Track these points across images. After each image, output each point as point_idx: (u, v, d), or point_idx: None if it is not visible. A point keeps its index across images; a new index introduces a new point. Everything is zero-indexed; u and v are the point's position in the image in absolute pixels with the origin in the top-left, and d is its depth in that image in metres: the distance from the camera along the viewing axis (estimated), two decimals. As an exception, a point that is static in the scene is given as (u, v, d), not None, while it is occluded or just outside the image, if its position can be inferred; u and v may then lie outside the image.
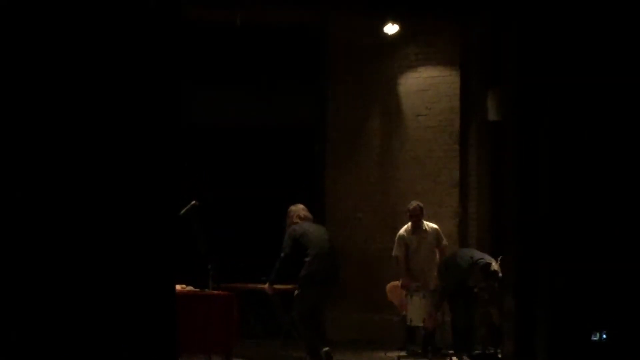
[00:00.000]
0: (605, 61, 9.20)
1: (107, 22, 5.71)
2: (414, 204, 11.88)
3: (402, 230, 11.94)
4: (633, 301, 9.23)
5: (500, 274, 10.68)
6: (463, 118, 12.97)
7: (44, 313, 5.58)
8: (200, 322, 9.31)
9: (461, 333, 11.23)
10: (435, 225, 11.96)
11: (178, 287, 8.98)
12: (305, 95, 13.69)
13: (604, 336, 9.15)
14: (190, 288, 9.69)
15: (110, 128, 5.73)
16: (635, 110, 9.26)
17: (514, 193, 9.90)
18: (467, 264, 11.03)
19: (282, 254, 10.37)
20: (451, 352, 11.43)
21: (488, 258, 11.01)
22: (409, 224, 11.89)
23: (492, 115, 12.51)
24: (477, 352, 11.11)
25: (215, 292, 9.71)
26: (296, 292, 10.42)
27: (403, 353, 11.59)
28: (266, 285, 10.69)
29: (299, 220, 10.58)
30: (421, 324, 11.33)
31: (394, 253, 11.91)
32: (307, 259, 10.25)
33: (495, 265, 10.82)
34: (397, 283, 11.80)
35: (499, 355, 10.75)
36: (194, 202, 9.77)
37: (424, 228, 11.87)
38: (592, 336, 9.17)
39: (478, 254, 11.20)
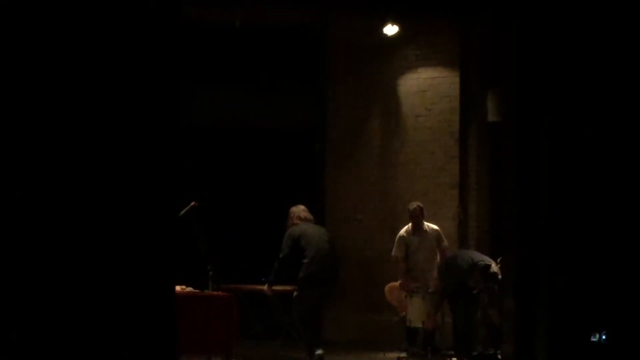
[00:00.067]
0: (605, 61, 9.20)
1: (107, 22, 5.70)
2: (414, 204, 11.87)
3: (402, 231, 11.93)
4: (633, 301, 9.23)
5: (499, 276, 10.68)
6: (463, 119, 12.96)
7: (44, 313, 5.57)
8: (200, 323, 9.32)
9: (462, 334, 11.23)
10: (435, 226, 11.95)
11: (178, 288, 8.98)
12: (305, 95, 13.68)
13: (604, 337, 9.14)
14: (190, 289, 9.69)
15: (110, 128, 5.73)
16: (635, 110, 9.25)
17: (513, 193, 9.90)
18: (467, 265, 11.03)
19: (281, 255, 10.37)
20: (451, 352, 11.43)
21: (488, 260, 11.02)
22: (410, 224, 11.89)
23: (491, 115, 12.50)
24: (476, 353, 11.10)
25: (215, 292, 9.71)
26: (295, 293, 10.42)
27: (403, 354, 11.58)
28: (265, 287, 10.69)
29: (298, 221, 10.58)
30: (420, 325, 11.32)
31: (393, 253, 11.91)
32: (305, 261, 10.24)
33: (494, 267, 10.83)
34: (396, 284, 11.79)
35: (499, 356, 10.75)
36: (193, 203, 9.77)
37: (424, 229, 11.86)
38: (592, 337, 9.16)
39: (478, 256, 11.20)
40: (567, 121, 9.42)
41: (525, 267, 9.62)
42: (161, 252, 5.92)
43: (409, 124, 13.22)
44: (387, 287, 11.94)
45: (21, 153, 5.51)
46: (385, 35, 12.80)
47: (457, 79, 12.96)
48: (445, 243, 11.94)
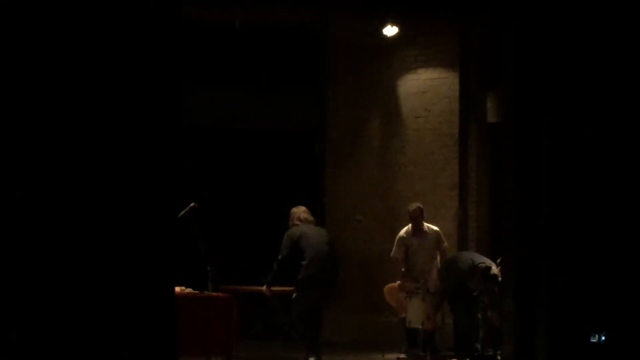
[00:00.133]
0: (605, 61, 9.19)
1: (107, 23, 5.70)
2: (414, 205, 11.86)
3: (402, 232, 11.92)
4: (633, 302, 9.22)
5: (499, 278, 10.67)
6: (462, 119, 12.97)
7: (44, 314, 5.56)
8: (199, 324, 9.31)
9: (462, 335, 11.22)
10: (435, 227, 11.94)
11: (177, 288, 8.97)
12: (305, 95, 13.69)
13: (603, 338, 9.14)
14: (189, 290, 9.68)
15: (110, 128, 5.72)
16: (635, 110, 9.25)
17: (513, 193, 9.89)
18: (468, 267, 11.02)
19: (280, 256, 10.36)
20: (451, 353, 11.42)
21: (489, 262, 11.01)
22: (409, 225, 11.88)
23: (491, 116, 12.51)
24: (476, 354, 11.09)
25: (215, 293, 9.70)
26: (294, 294, 10.41)
27: (402, 355, 11.57)
28: (264, 288, 10.68)
29: (298, 223, 10.57)
30: (420, 326, 11.31)
31: (392, 254, 11.90)
32: (304, 262, 10.23)
33: (495, 269, 10.82)
34: (395, 285, 11.79)
35: (498, 357, 10.75)
36: (193, 204, 9.76)
37: (424, 230, 11.84)
38: (591, 338, 9.16)
39: (478, 258, 11.19)
40: (567, 121, 9.42)
41: (525, 268, 9.61)
42: (161, 253, 5.92)
43: (408, 124, 13.22)
44: (386, 288, 11.93)
45: (21, 153, 5.51)
46: (385, 36, 12.82)
47: (456, 80, 12.97)
48: (445, 244, 11.93)
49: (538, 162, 9.56)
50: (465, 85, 12.97)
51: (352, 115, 13.46)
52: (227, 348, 9.55)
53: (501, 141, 10.82)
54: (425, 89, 13.13)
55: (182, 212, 9.54)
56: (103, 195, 5.70)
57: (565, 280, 9.29)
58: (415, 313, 11.27)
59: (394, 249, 11.88)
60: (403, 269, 11.79)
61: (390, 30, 12.74)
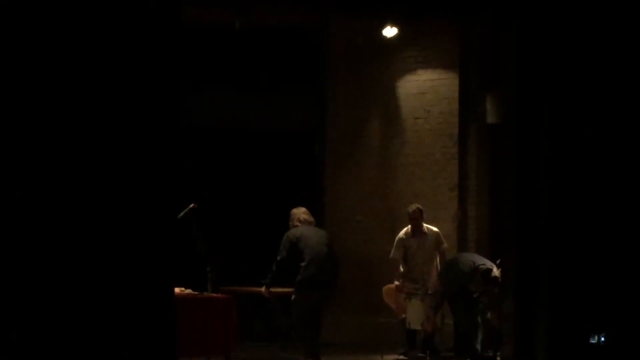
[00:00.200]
0: (605, 61, 9.19)
1: (107, 23, 5.69)
2: (413, 206, 11.85)
3: (401, 233, 11.92)
4: (632, 303, 9.22)
5: (500, 280, 10.66)
6: (462, 121, 12.97)
7: (44, 315, 5.56)
8: (199, 325, 9.31)
9: (463, 336, 11.21)
10: (435, 228, 11.93)
11: (177, 289, 8.96)
12: (305, 96, 13.69)
13: (602, 339, 9.13)
14: (189, 291, 9.67)
15: (110, 129, 5.72)
16: (635, 110, 9.24)
17: (513, 194, 9.88)
18: (469, 268, 11.01)
19: (278, 258, 10.34)
20: (451, 354, 11.41)
21: (489, 264, 10.99)
22: (409, 226, 11.87)
23: (490, 117, 12.50)
24: (476, 355, 11.08)
25: (214, 294, 9.69)
26: (293, 296, 10.39)
27: (401, 357, 11.56)
28: (263, 289, 10.66)
29: (298, 224, 10.55)
30: (420, 327, 11.30)
31: (391, 255, 11.89)
32: (303, 264, 10.21)
33: (496, 272, 10.80)
34: (393, 285, 11.78)
35: (498, 359, 10.74)
36: (192, 205, 9.75)
37: (423, 231, 11.83)
38: (591, 339, 9.15)
39: (479, 259, 11.17)
40: (567, 121, 9.41)
41: (525, 268, 9.60)
42: (160, 254, 5.92)
43: (408, 125, 13.22)
44: (384, 289, 11.92)
45: (21, 153, 5.51)
46: (385, 36, 12.82)
47: (456, 81, 12.97)
48: (445, 245, 11.92)
49: (538, 163, 9.56)
50: (464, 87, 12.96)
51: (352, 115, 13.46)
52: (227, 349, 9.54)
53: (501, 142, 10.82)
54: (425, 89, 13.13)
55: (182, 213, 9.53)
56: (103, 195, 5.69)
57: (565, 281, 9.28)
58: (414, 314, 11.26)
59: (393, 249, 11.87)
60: (402, 270, 11.79)
61: (390, 31, 12.74)
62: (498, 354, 10.75)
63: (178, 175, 6.01)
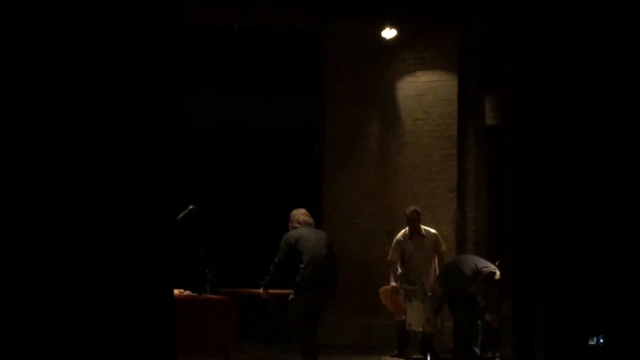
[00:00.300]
0: (605, 61, 9.19)
1: (107, 24, 5.69)
2: (410, 208, 11.86)
3: (399, 235, 11.93)
4: (631, 305, 9.22)
5: (500, 281, 10.65)
6: (461, 122, 12.99)
7: (43, 316, 5.55)
8: (198, 326, 9.29)
9: (462, 337, 11.20)
10: (433, 230, 11.94)
11: (176, 291, 8.96)
12: (305, 97, 13.71)
13: (601, 340, 9.13)
14: (188, 292, 9.67)
15: (110, 129, 5.71)
16: (635, 110, 9.24)
17: (513, 194, 9.88)
18: (471, 271, 11.00)
19: (276, 259, 10.33)
20: (450, 356, 11.40)
21: (492, 267, 10.98)
22: (407, 228, 11.88)
23: (489, 119, 12.52)
24: (474, 357, 11.08)
25: (214, 296, 9.68)
26: (291, 296, 10.37)
27: (396, 359, 11.57)
28: (261, 290, 10.65)
29: (297, 225, 10.54)
30: (421, 329, 11.29)
31: (389, 257, 11.91)
32: (302, 265, 10.20)
33: (499, 275, 10.78)
34: (390, 287, 11.79)
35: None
36: (191, 206, 9.75)
37: (421, 233, 11.84)
38: (590, 340, 9.15)
39: (481, 262, 11.17)
40: (567, 122, 9.41)
41: (525, 269, 9.60)
42: (160, 255, 5.90)
43: (407, 127, 13.23)
44: (381, 290, 11.92)
45: (21, 153, 5.50)
46: (384, 38, 12.85)
47: (455, 83, 13.00)
48: (443, 247, 11.92)
49: (537, 163, 9.56)
50: (463, 88, 12.99)
51: (351, 116, 13.47)
52: (226, 350, 9.53)
53: (499, 143, 10.82)
54: (424, 91, 13.15)
55: (181, 214, 9.53)
56: (102, 196, 5.68)
57: (564, 283, 9.28)
58: (415, 316, 11.25)
59: (390, 251, 11.89)
60: (400, 272, 11.80)
61: (389, 33, 12.78)
62: (497, 355, 10.74)
63: (178, 176, 6.00)
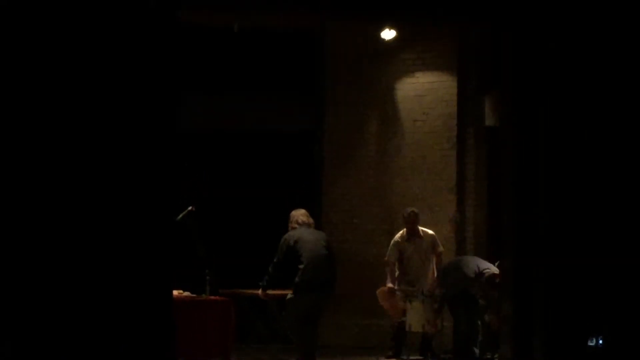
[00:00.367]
0: (604, 62, 9.20)
1: (106, 26, 5.70)
2: (408, 210, 11.86)
3: (397, 236, 11.93)
4: (631, 306, 9.22)
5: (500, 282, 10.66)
6: (460, 123, 12.99)
7: (43, 317, 5.56)
8: (197, 327, 9.30)
9: (463, 338, 11.20)
10: (431, 231, 11.93)
11: (175, 292, 8.97)
12: (304, 98, 13.70)
13: (600, 341, 9.14)
14: (187, 293, 9.67)
15: (108, 131, 5.73)
16: (635, 110, 9.25)
17: (512, 196, 9.89)
18: (474, 273, 11.00)
19: (275, 260, 10.33)
20: (450, 356, 11.41)
21: (493, 268, 10.97)
22: (404, 229, 11.87)
23: (489, 120, 12.52)
24: (474, 358, 11.08)
25: (213, 297, 9.69)
26: (289, 296, 10.37)
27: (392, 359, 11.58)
28: (259, 291, 10.66)
29: (297, 226, 10.54)
30: (421, 329, 11.29)
31: (386, 258, 11.91)
32: (300, 266, 10.20)
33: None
34: (386, 288, 11.78)
35: (496, 360, 10.76)
36: (190, 207, 9.75)
37: (419, 234, 11.83)
38: (589, 341, 9.16)
39: (483, 264, 11.15)
40: (566, 123, 9.42)
41: (524, 270, 9.61)
42: (159, 256, 5.92)
43: (406, 128, 13.23)
44: (378, 292, 11.91)
45: (20, 156, 5.51)
46: (384, 39, 12.83)
47: (454, 84, 12.99)
48: (441, 248, 11.91)
49: (537, 164, 9.56)
50: (463, 89, 12.99)
51: (351, 116, 13.47)
52: (225, 351, 9.54)
53: (499, 144, 10.83)
54: (423, 92, 13.15)
55: (180, 216, 9.53)
56: (101, 198, 5.70)
57: (563, 282, 9.29)
58: (416, 317, 11.25)
59: (388, 252, 11.89)
60: (397, 273, 11.80)
61: (388, 34, 12.76)
62: (496, 356, 10.74)
63: (177, 177, 6.01)
